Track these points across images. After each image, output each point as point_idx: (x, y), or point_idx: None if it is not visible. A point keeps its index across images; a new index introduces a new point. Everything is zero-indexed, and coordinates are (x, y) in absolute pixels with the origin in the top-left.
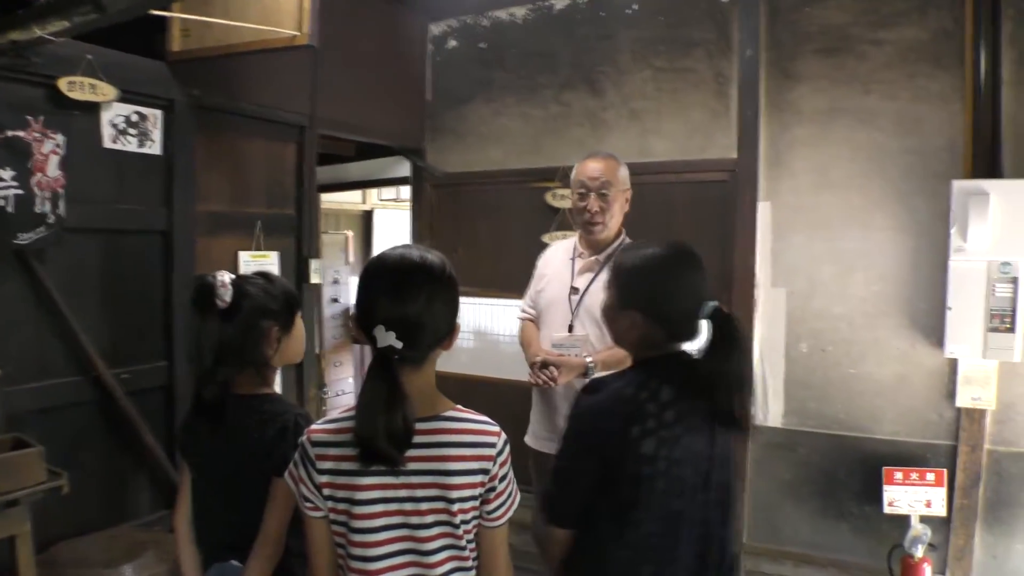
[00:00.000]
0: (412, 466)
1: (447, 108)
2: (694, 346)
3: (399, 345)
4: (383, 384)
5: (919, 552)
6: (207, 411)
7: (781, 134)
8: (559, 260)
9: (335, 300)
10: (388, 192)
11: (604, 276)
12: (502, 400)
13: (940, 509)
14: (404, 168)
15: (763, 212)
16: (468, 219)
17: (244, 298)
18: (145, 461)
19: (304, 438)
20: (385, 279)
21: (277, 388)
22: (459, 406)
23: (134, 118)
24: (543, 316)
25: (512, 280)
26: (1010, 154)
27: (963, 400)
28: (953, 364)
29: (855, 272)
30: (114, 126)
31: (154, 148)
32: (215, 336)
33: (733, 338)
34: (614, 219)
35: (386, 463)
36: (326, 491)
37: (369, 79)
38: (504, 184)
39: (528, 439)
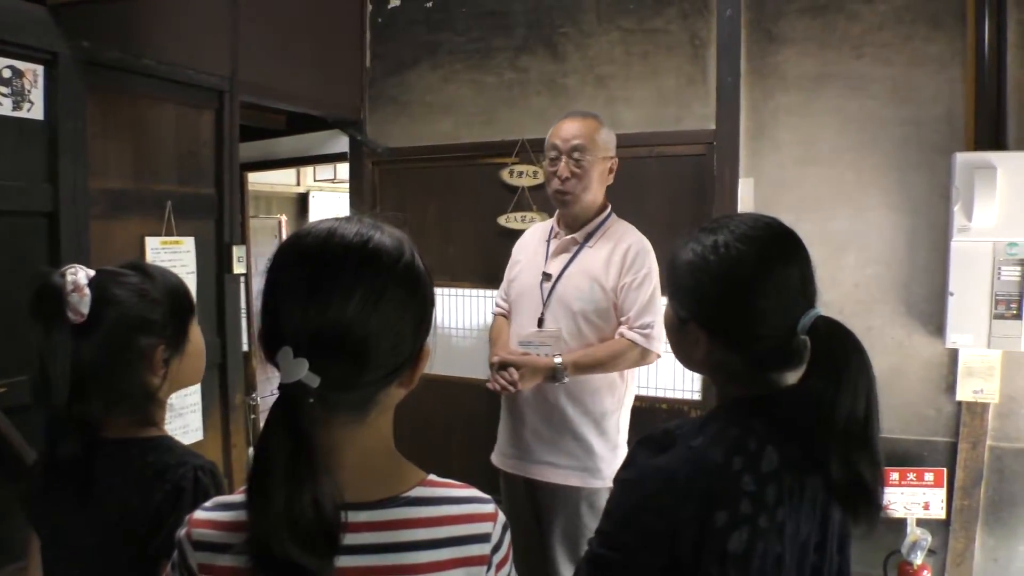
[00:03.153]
0: None
1: (389, 75)
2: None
3: (314, 382)
4: (284, 446)
5: (918, 559)
6: (64, 465)
7: (764, 102)
8: (534, 243)
9: None
10: (324, 171)
11: (584, 258)
12: (455, 402)
13: (939, 511)
14: (341, 143)
15: (745, 189)
16: (415, 200)
17: (108, 306)
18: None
19: (183, 533)
20: (295, 271)
21: (198, 394)
22: (433, 476)
23: (6, 74)
24: (514, 308)
25: (465, 268)
26: (1015, 124)
27: (964, 393)
28: (953, 355)
29: (846, 255)
30: None
31: (34, 111)
32: (67, 362)
33: (847, 365)
34: (591, 190)
35: None
36: None
37: (299, 41)
38: (454, 160)
39: (495, 458)
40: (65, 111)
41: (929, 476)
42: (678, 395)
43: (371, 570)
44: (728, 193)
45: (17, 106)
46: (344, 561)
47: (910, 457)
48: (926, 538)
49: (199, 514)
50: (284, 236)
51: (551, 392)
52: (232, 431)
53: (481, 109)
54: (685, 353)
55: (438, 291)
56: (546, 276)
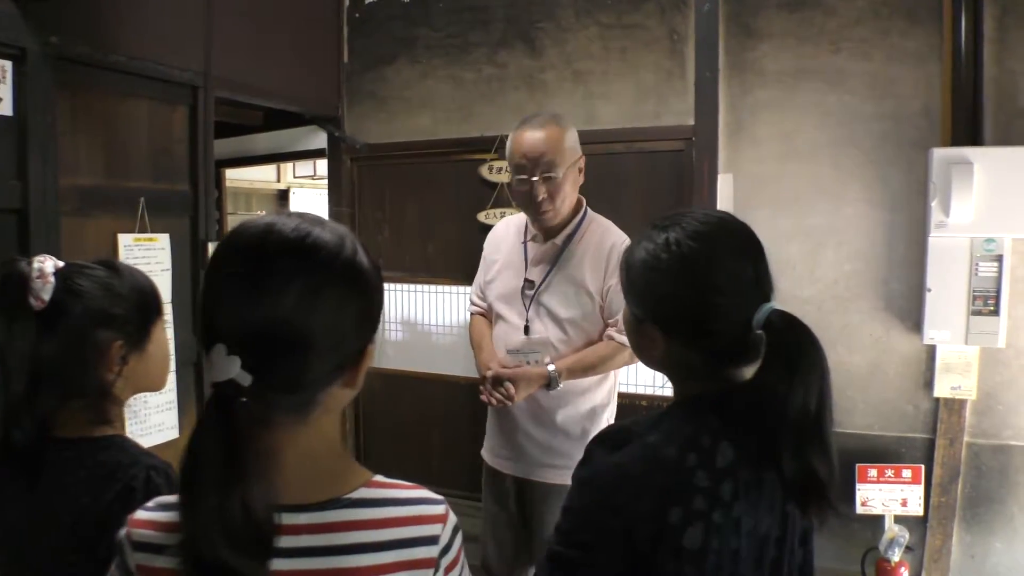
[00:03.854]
0: None
1: (367, 70)
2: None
3: (246, 380)
4: (213, 447)
5: (896, 555)
6: (16, 460)
7: (742, 97)
8: (510, 243)
9: None
10: (303, 168)
11: (566, 264)
12: (434, 399)
13: (916, 508)
14: (319, 139)
15: (724, 185)
16: (393, 196)
17: (72, 297)
18: None
19: (123, 533)
20: (231, 266)
21: (173, 392)
22: (379, 477)
23: None
24: (495, 311)
25: (445, 264)
26: (992, 119)
27: (941, 390)
28: (931, 351)
29: (825, 250)
30: None
31: (2, 107)
32: (27, 350)
33: (800, 359)
34: (566, 201)
35: None
36: None
37: (276, 36)
38: (433, 156)
39: (485, 454)
40: (34, 107)
41: (907, 473)
42: (659, 392)
43: (310, 573)
44: (707, 189)
45: None
46: (282, 564)
47: (888, 454)
48: (904, 535)
49: (139, 514)
50: None
51: (542, 397)
52: None
53: (459, 105)
54: (644, 352)
55: (416, 287)
56: (528, 283)
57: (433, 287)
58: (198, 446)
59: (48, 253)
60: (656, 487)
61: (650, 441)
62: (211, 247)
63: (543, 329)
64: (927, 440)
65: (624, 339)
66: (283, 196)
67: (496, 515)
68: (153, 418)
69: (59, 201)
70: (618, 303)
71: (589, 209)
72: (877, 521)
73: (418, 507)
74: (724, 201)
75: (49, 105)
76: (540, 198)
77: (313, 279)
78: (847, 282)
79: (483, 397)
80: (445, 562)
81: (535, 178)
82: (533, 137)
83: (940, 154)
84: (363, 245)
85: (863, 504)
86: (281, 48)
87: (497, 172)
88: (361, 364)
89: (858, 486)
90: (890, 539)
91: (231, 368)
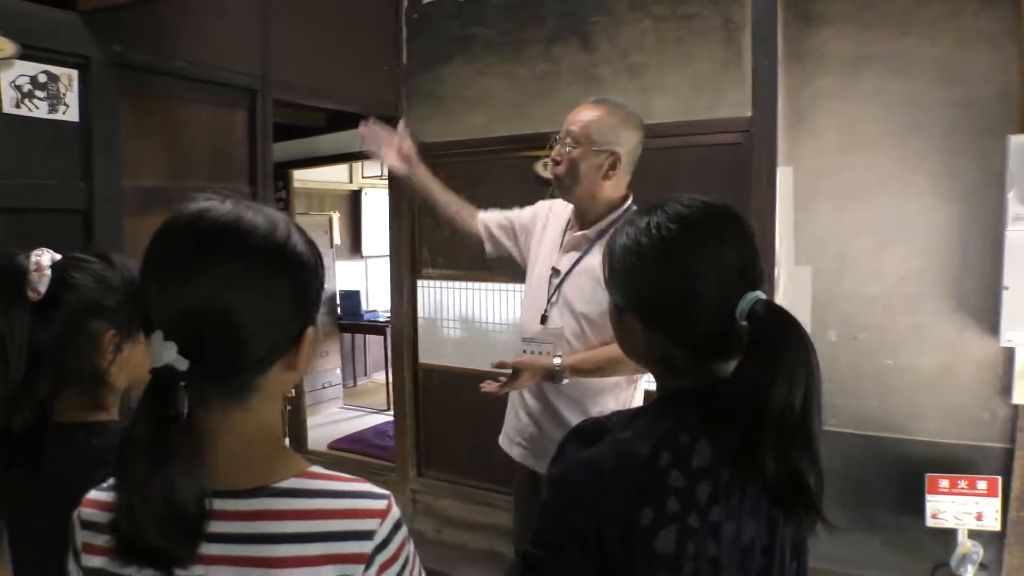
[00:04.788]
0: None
1: (424, 70)
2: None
3: (182, 365)
4: (147, 431)
5: (968, 573)
6: (17, 445)
7: (802, 87)
8: (557, 227)
9: None
10: (372, 168)
11: (591, 258)
12: (492, 396)
13: (993, 523)
14: None
15: (783, 178)
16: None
17: (67, 289)
18: None
19: (75, 513)
20: (163, 251)
21: None
22: (317, 468)
23: (42, 79)
24: (524, 296)
25: (501, 263)
26: None
27: (1021, 396)
28: (1009, 354)
29: (892, 246)
30: (17, 88)
31: (69, 114)
32: (24, 339)
33: (784, 350)
34: (580, 183)
35: (157, 566)
36: None
37: (335, 38)
38: (488, 153)
39: (502, 441)
40: (98, 113)
41: (982, 484)
42: None
43: (237, 559)
44: (765, 183)
45: (53, 109)
46: (211, 549)
47: (961, 463)
48: (978, 551)
49: (92, 494)
50: (336, 233)
51: (554, 397)
52: None
53: (514, 102)
54: (625, 344)
55: (473, 285)
56: (555, 272)
57: (490, 284)
58: (133, 429)
59: (112, 251)
60: (626, 485)
61: (623, 437)
62: None
63: (559, 320)
64: (1005, 450)
65: None
66: (355, 197)
67: (515, 508)
68: None
69: (122, 202)
70: None
71: (635, 208)
72: (949, 535)
73: (353, 500)
74: (783, 195)
75: (112, 111)
76: (552, 158)
77: (243, 263)
78: (916, 280)
79: (483, 387)
80: (381, 559)
81: (559, 142)
82: (578, 110)
83: (1019, 141)
84: (301, 230)
85: (934, 517)
86: (340, 51)
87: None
88: (301, 347)
89: (928, 497)
90: (963, 555)
91: (168, 353)
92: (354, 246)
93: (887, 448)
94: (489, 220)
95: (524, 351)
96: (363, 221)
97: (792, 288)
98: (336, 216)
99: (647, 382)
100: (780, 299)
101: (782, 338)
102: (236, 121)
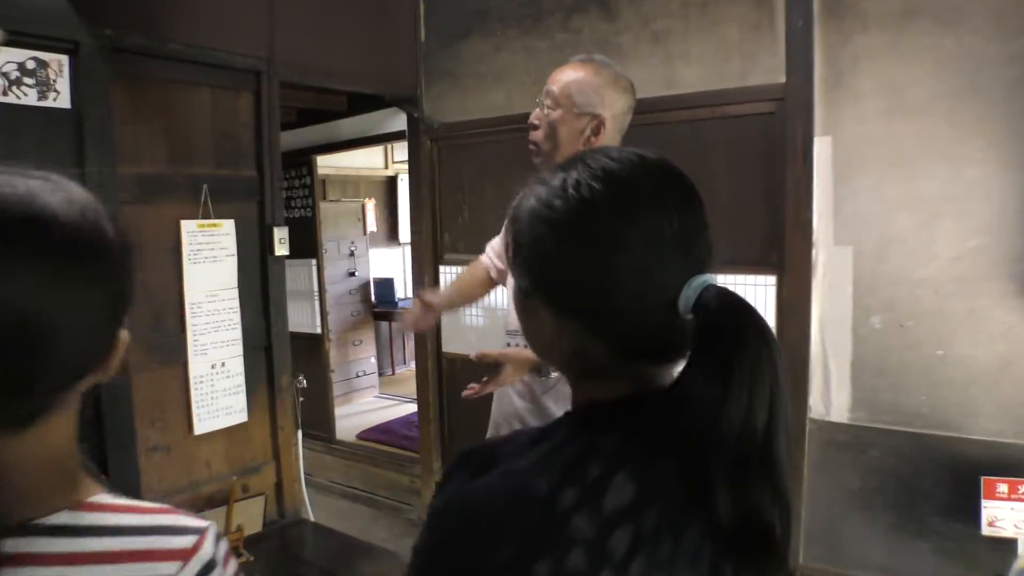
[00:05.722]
0: None
1: (442, 47)
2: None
3: None
4: None
5: None
6: None
7: (841, 47)
8: None
9: (352, 273)
10: (401, 152)
11: None
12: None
13: None
14: (401, 121)
15: (821, 149)
16: (472, 176)
17: None
18: None
19: None
20: None
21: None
22: (105, 497)
23: (30, 65)
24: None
25: None
26: None
27: None
28: None
29: (942, 223)
30: (4, 75)
31: (60, 101)
32: None
33: (742, 356)
34: (557, 149)
35: None
36: None
37: (347, 16)
38: (508, 132)
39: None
40: (89, 99)
41: None
42: None
43: None
44: (801, 155)
45: (43, 96)
46: None
47: (1021, 466)
48: None
49: None
50: (371, 220)
51: (543, 395)
52: (279, 414)
53: (533, 77)
54: (534, 340)
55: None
56: None
57: None
58: None
59: None
60: (517, 533)
61: (517, 468)
62: (277, 232)
63: None
64: None
65: None
66: (392, 182)
67: None
68: (220, 401)
69: (118, 189)
70: None
71: None
72: (1007, 546)
73: (146, 539)
74: (821, 168)
75: (104, 96)
76: (531, 121)
77: (43, 261)
78: (971, 260)
79: (465, 393)
80: None
81: (539, 102)
82: (562, 68)
83: None
84: (110, 215)
85: (990, 524)
86: (353, 29)
87: None
88: (112, 357)
89: (984, 503)
90: (1022, 569)
91: None
92: (391, 233)
93: (937, 447)
94: (490, 248)
95: (508, 344)
96: (399, 207)
97: (831, 271)
98: (371, 203)
99: None
100: (818, 283)
101: (739, 337)
102: (240, 104)
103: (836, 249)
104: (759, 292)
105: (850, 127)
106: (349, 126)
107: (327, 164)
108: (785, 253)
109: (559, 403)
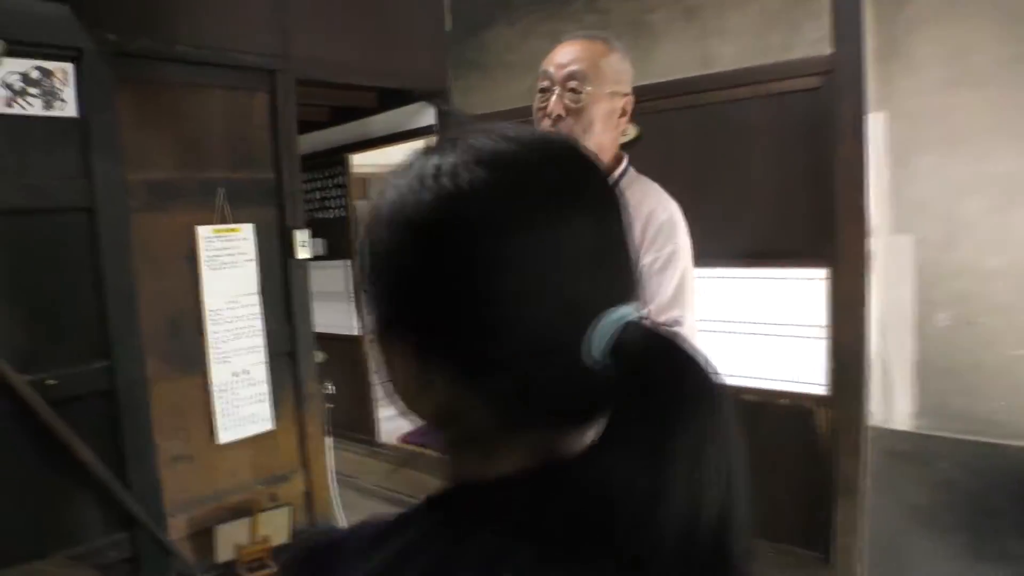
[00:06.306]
0: None
1: (468, 36)
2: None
3: None
4: None
5: None
6: None
7: (895, 12)
8: None
9: None
10: None
11: None
12: None
13: None
14: (430, 116)
15: (875, 127)
16: None
17: None
18: (79, 481)
19: None
20: None
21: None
22: None
23: (35, 75)
24: None
25: None
26: None
27: None
28: None
29: (1017, 206)
30: (8, 87)
31: (67, 110)
32: None
33: (682, 421)
34: (592, 134)
35: None
36: None
37: (367, 6)
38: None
39: None
40: (94, 106)
41: None
42: (802, 388)
43: None
44: (853, 134)
45: (48, 105)
46: None
47: None
48: None
49: None
50: None
51: None
52: (307, 421)
53: None
54: (395, 386)
55: None
56: None
57: None
58: None
59: (119, 248)
60: None
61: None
62: (298, 234)
63: None
64: None
65: None
66: None
67: None
68: (245, 409)
69: (128, 197)
70: (654, 287)
71: (632, 168)
72: None
73: None
74: (876, 148)
75: (109, 102)
76: (554, 114)
77: None
78: None
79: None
80: None
81: (556, 90)
82: (567, 47)
83: None
84: None
85: None
86: (374, 21)
87: None
88: None
89: None
90: None
91: None
92: None
93: (1017, 459)
94: None
95: None
96: None
97: (890, 262)
98: None
99: None
100: (876, 276)
101: (678, 401)
102: (255, 105)
103: (895, 238)
104: (808, 287)
105: (907, 101)
106: (381, 123)
107: (367, 162)
108: (837, 244)
109: None
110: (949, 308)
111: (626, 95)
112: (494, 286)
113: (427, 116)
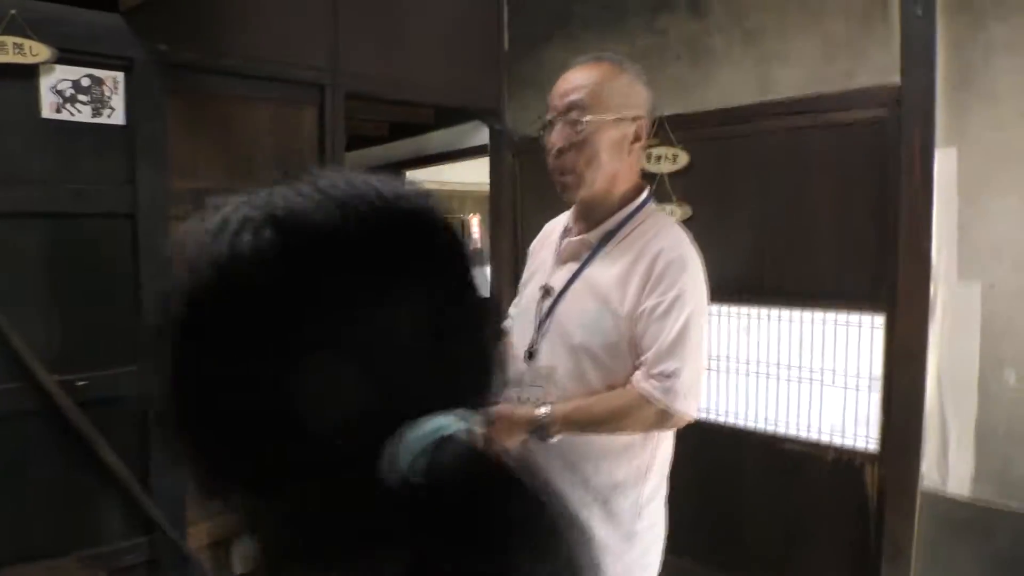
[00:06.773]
0: None
1: (525, 55)
2: None
3: None
4: None
5: None
6: None
7: (970, 39)
8: (553, 239)
9: None
10: None
11: (595, 270)
12: None
13: None
14: (486, 135)
15: (944, 163)
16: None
17: None
18: (102, 483)
19: None
20: None
21: None
22: None
23: (85, 83)
24: (514, 329)
25: None
26: None
27: None
28: None
29: None
30: (58, 93)
31: (115, 117)
32: None
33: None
34: (598, 167)
35: None
36: None
37: (420, 22)
38: None
39: None
40: (143, 115)
41: None
42: (850, 442)
43: None
44: (920, 170)
45: (97, 112)
46: None
47: None
48: None
49: None
50: (473, 234)
51: (541, 456)
52: None
53: None
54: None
55: None
56: (546, 291)
57: None
58: None
59: (156, 255)
60: None
61: None
62: None
63: (550, 357)
64: None
65: (649, 388)
66: None
67: None
68: None
69: (171, 204)
70: (653, 334)
71: (653, 202)
72: None
73: None
74: (943, 186)
75: (158, 112)
76: (554, 148)
77: None
78: None
79: None
80: None
81: (558, 123)
82: (570, 74)
83: None
84: None
85: None
86: (429, 37)
87: (656, 161)
88: None
89: None
90: None
91: None
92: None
93: None
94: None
95: (516, 397)
96: None
97: (954, 311)
98: (476, 218)
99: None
100: (938, 327)
101: (495, 542)
102: (303, 119)
103: (960, 285)
104: (864, 334)
105: (981, 136)
106: (437, 140)
107: (427, 179)
108: (898, 288)
109: (560, 470)
110: (1018, 365)
111: (637, 119)
112: (279, 384)
113: (483, 135)
